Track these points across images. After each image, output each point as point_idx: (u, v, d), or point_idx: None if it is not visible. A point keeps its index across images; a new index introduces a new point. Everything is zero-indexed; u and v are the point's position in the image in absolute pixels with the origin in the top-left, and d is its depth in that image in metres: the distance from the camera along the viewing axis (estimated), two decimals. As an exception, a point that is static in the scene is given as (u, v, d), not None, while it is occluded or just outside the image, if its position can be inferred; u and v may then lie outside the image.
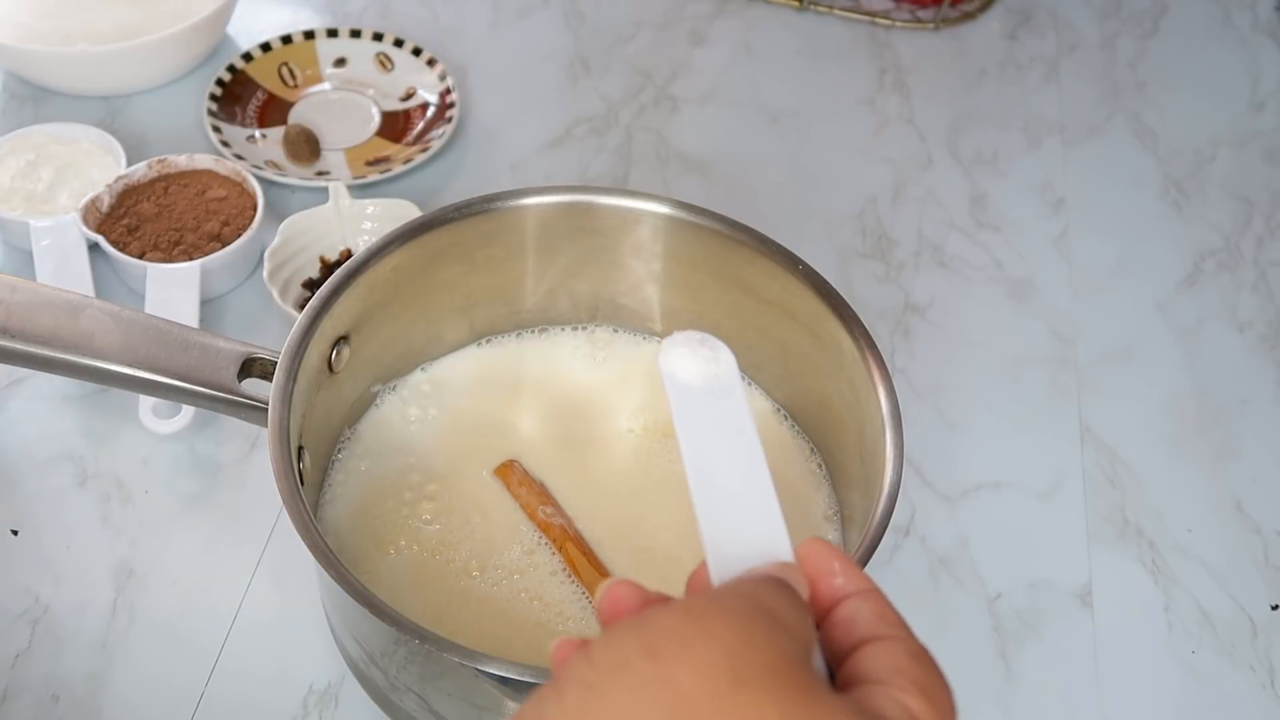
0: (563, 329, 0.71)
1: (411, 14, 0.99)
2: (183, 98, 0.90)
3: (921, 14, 1.02)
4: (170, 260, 0.75)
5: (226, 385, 0.58)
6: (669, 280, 0.68)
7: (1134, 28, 1.04)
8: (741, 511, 0.38)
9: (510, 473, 0.64)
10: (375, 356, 0.65)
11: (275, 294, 0.74)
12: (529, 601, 0.60)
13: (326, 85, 0.92)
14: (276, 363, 0.56)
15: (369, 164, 0.86)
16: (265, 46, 0.92)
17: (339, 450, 0.65)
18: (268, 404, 0.55)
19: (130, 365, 0.58)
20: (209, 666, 0.62)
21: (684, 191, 0.86)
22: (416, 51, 0.93)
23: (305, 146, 0.86)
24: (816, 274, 0.62)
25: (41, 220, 0.76)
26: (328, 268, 0.78)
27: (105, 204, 0.77)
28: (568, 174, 0.88)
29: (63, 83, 0.90)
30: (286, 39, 0.92)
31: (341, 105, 0.91)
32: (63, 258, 0.76)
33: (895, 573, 0.68)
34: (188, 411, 0.70)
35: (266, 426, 0.54)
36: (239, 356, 0.59)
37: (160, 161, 0.80)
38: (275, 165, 0.85)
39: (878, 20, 1.01)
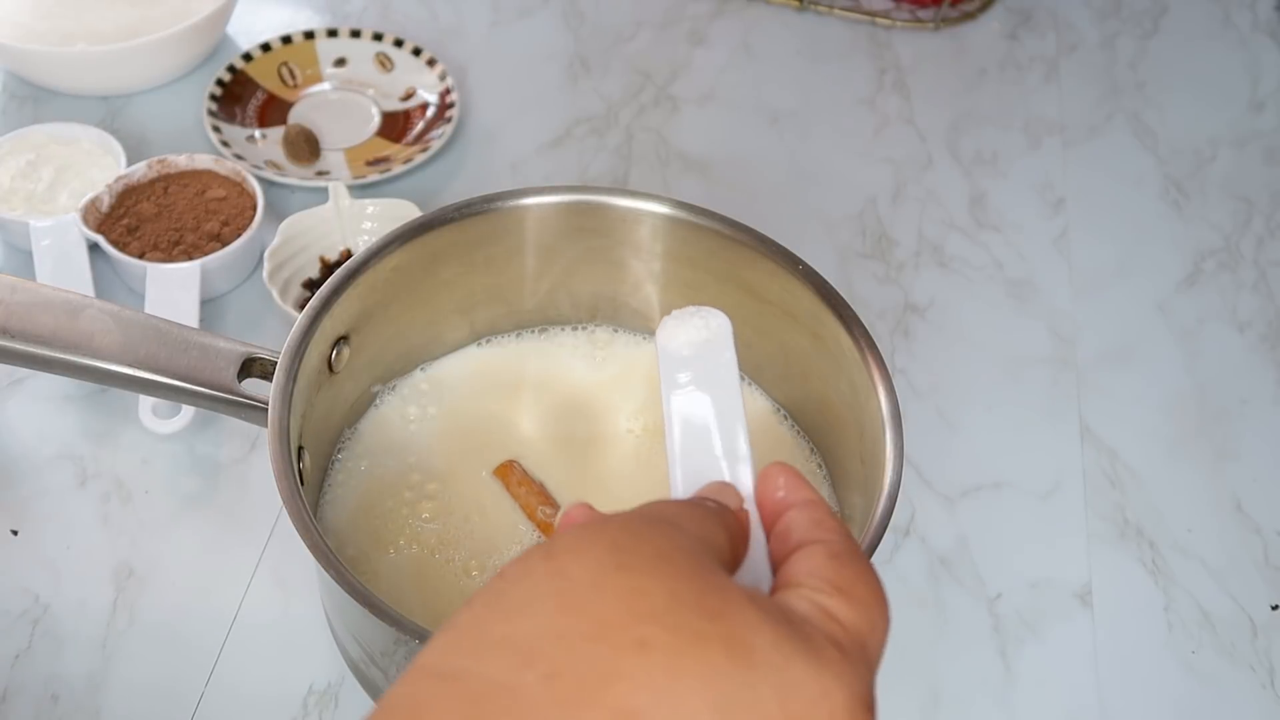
0: (563, 329, 0.71)
1: (411, 14, 0.99)
2: (183, 98, 0.90)
3: (921, 14, 1.02)
4: (170, 260, 0.75)
5: (226, 385, 0.58)
6: (669, 280, 0.68)
7: (1134, 28, 1.04)
8: (709, 453, 0.39)
9: (510, 473, 0.64)
10: (375, 356, 0.65)
11: (275, 294, 0.74)
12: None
13: (326, 85, 0.92)
14: (276, 363, 0.56)
15: (369, 164, 0.86)
16: (265, 46, 0.92)
17: (339, 450, 0.65)
18: (268, 404, 0.55)
19: (130, 365, 0.58)
20: (209, 666, 0.62)
21: (684, 191, 0.86)
22: (416, 51, 0.93)
23: (305, 146, 0.86)
24: (816, 274, 0.62)
25: (41, 220, 0.76)
26: (328, 268, 0.78)
27: (105, 204, 0.77)
28: (568, 174, 0.88)
29: (63, 83, 0.90)
30: (286, 39, 0.92)
31: (341, 105, 0.91)
32: (63, 258, 0.76)
33: (895, 573, 0.68)
34: (188, 411, 0.70)
35: (266, 426, 0.54)
36: (239, 356, 0.59)
37: (160, 161, 0.80)
38: (275, 165, 0.85)
39: (878, 20, 1.01)
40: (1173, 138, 0.94)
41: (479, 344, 0.71)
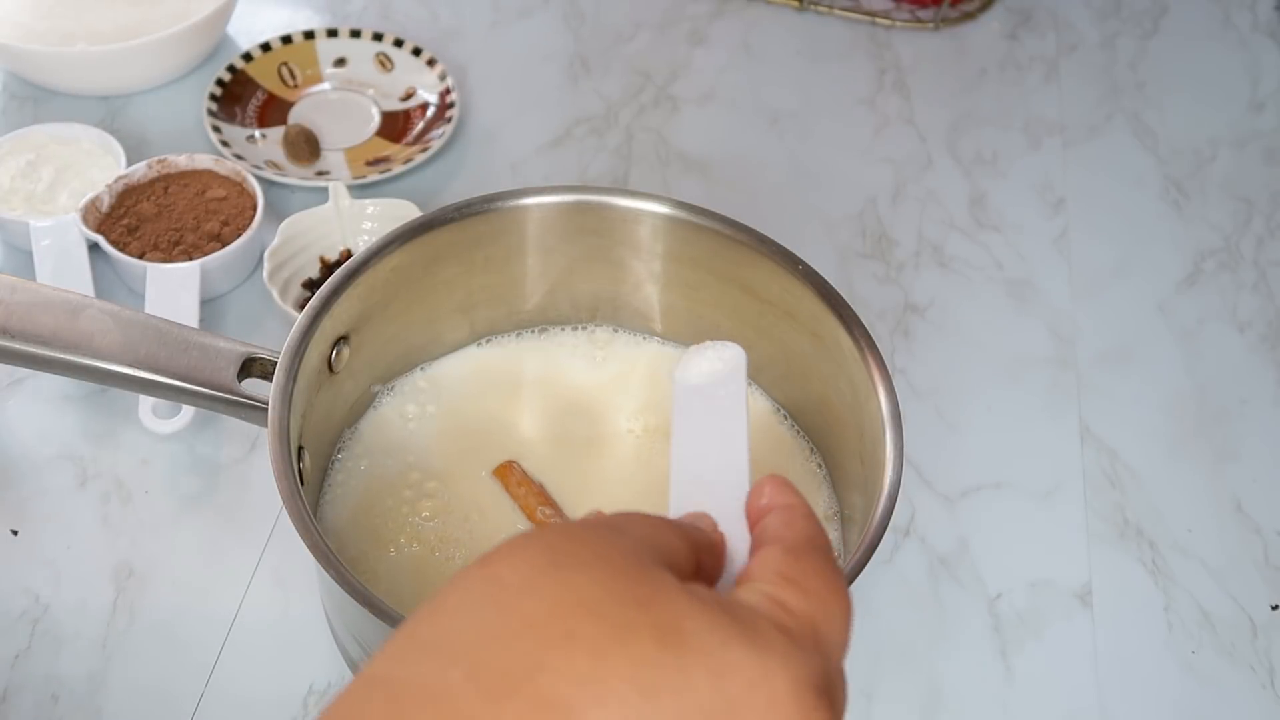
0: (563, 329, 0.71)
1: (411, 14, 0.99)
2: (183, 98, 0.90)
3: (921, 14, 1.02)
4: (170, 260, 0.75)
5: (226, 385, 0.58)
6: (669, 280, 0.68)
7: (1134, 28, 1.04)
8: (704, 480, 0.40)
9: (509, 473, 0.64)
10: (375, 356, 0.65)
11: (275, 294, 0.74)
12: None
13: (326, 85, 0.92)
14: (276, 363, 0.56)
15: (369, 164, 0.86)
16: (265, 46, 0.92)
17: (339, 450, 0.65)
18: (268, 404, 0.55)
19: (130, 365, 0.58)
20: (209, 666, 0.62)
21: (684, 191, 0.86)
22: (416, 51, 0.93)
23: (305, 146, 0.86)
24: (816, 274, 0.62)
25: (41, 220, 0.76)
26: (328, 268, 0.78)
27: (105, 204, 0.77)
28: (568, 174, 0.88)
29: (63, 83, 0.90)
30: (286, 39, 0.92)
31: (341, 105, 0.91)
32: (63, 258, 0.76)
33: (895, 573, 0.68)
34: (188, 411, 0.70)
35: (266, 426, 0.54)
36: (239, 356, 0.59)
37: (160, 161, 0.80)
38: (275, 165, 0.85)
39: (878, 20, 1.01)
40: (1173, 138, 0.94)
41: (479, 344, 0.71)
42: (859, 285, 0.82)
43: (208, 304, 0.77)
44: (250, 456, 0.70)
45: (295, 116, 0.90)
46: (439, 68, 0.91)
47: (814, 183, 0.89)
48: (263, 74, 0.91)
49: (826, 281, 0.62)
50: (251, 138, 0.87)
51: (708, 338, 0.69)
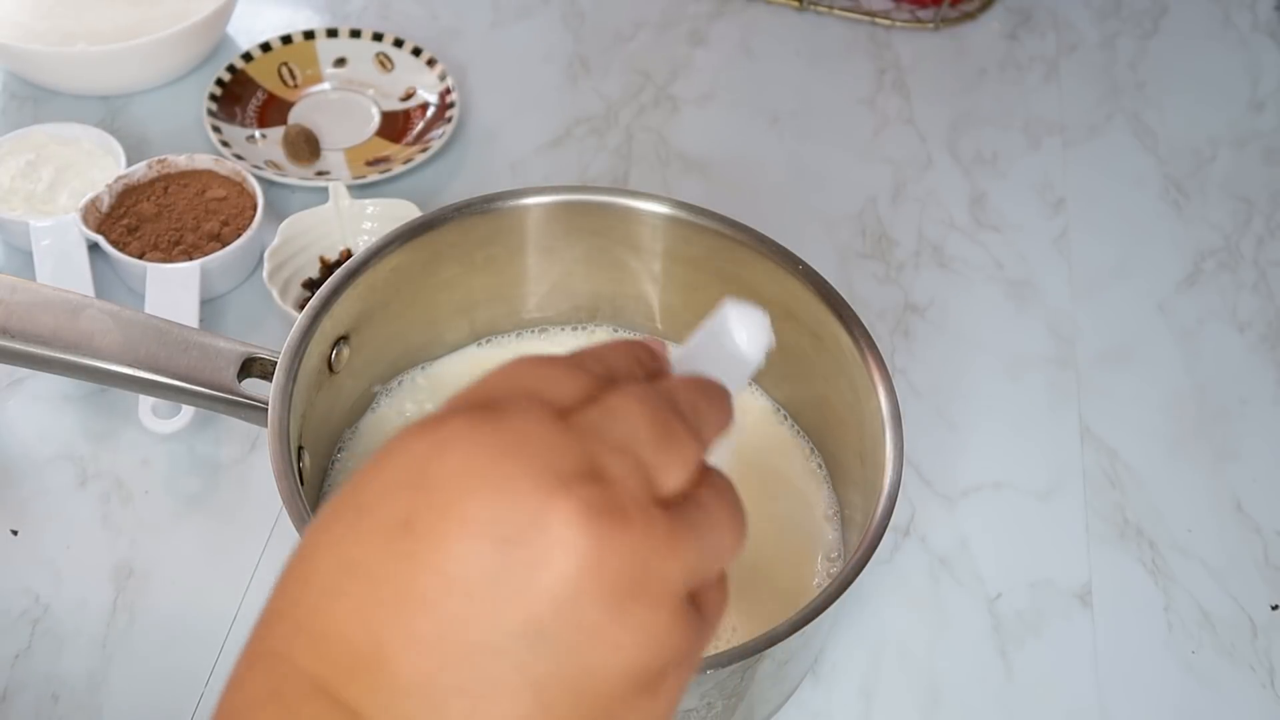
0: (563, 329, 0.71)
1: (411, 14, 0.99)
2: (183, 98, 0.90)
3: (921, 14, 1.02)
4: (170, 260, 0.75)
5: (226, 385, 0.58)
6: (669, 280, 0.68)
7: (1134, 28, 1.04)
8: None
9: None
10: (375, 356, 0.65)
11: (275, 294, 0.74)
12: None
13: (326, 85, 0.92)
14: (276, 363, 0.56)
15: (369, 164, 0.86)
16: (265, 46, 0.92)
17: (339, 450, 0.65)
18: (268, 404, 0.55)
19: (130, 365, 0.58)
20: (209, 666, 0.62)
21: (684, 191, 0.86)
22: (416, 51, 0.93)
23: (305, 146, 0.86)
24: (816, 274, 0.62)
25: (41, 220, 0.76)
26: (328, 268, 0.78)
27: (105, 204, 0.77)
28: (568, 174, 0.88)
29: (63, 83, 0.90)
30: (286, 39, 0.92)
31: (341, 105, 0.91)
32: (63, 258, 0.76)
33: (895, 573, 0.68)
34: (188, 411, 0.70)
35: (266, 426, 0.54)
36: (239, 356, 0.59)
37: (160, 161, 0.80)
38: (275, 165, 0.85)
39: (878, 20, 1.01)
40: (1173, 138, 0.94)
41: (479, 344, 0.71)
42: (859, 285, 0.82)
43: (208, 304, 0.77)
44: (250, 456, 0.70)
45: (295, 116, 0.90)
46: (439, 68, 0.91)
47: (814, 183, 0.89)
48: (263, 74, 0.91)
49: (826, 281, 0.62)
50: (251, 138, 0.87)
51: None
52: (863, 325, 0.60)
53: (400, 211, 0.79)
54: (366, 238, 0.80)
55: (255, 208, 0.78)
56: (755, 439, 0.67)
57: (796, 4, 1.02)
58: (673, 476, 0.31)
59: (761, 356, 0.41)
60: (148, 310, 0.68)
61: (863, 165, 0.90)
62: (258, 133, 0.88)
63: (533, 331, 0.71)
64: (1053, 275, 0.84)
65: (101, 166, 0.82)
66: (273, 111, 0.90)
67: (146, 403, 0.69)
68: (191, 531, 0.67)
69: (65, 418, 0.71)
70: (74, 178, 0.81)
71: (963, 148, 0.92)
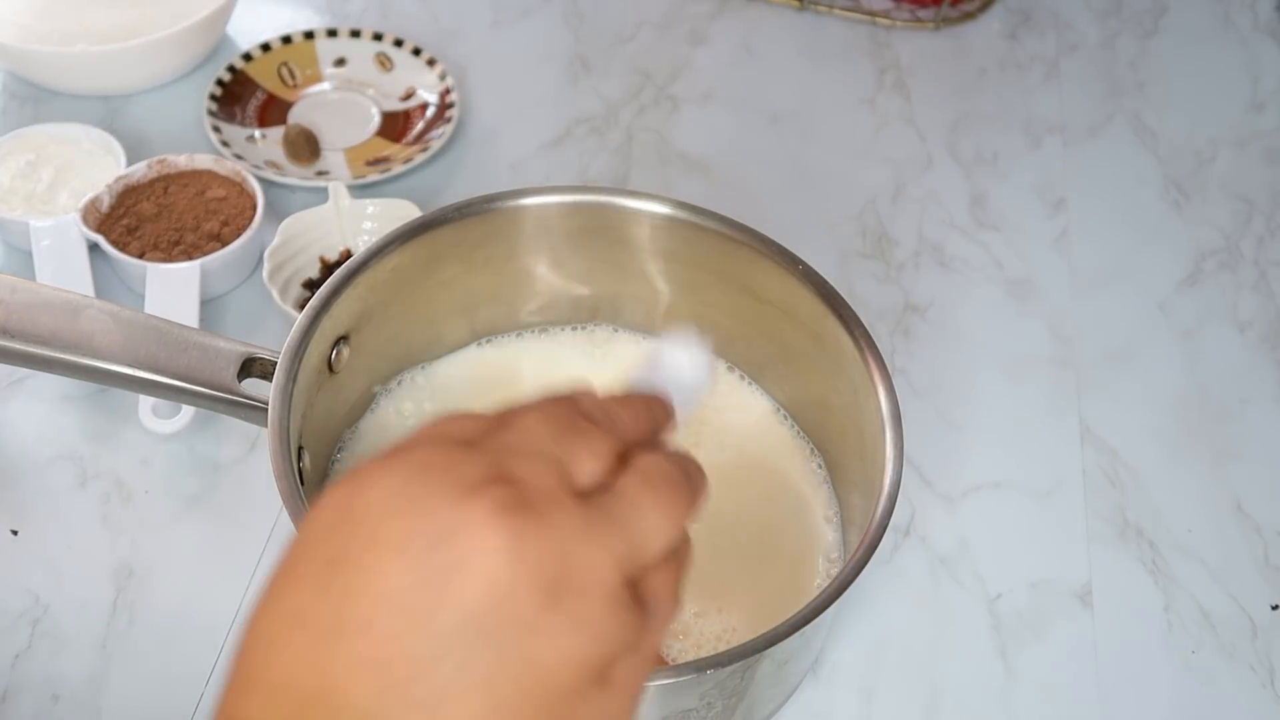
0: (563, 329, 0.71)
1: (411, 14, 0.99)
2: (183, 98, 0.90)
3: (921, 14, 1.02)
4: (170, 260, 0.75)
5: (226, 385, 0.58)
6: (669, 280, 0.68)
7: (1134, 28, 1.04)
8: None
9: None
10: (375, 356, 0.65)
11: (275, 294, 0.74)
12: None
13: (326, 85, 0.92)
14: (276, 363, 0.56)
15: (369, 164, 0.86)
16: (265, 46, 0.92)
17: (339, 450, 0.65)
18: (268, 404, 0.55)
19: (130, 365, 0.58)
20: (209, 666, 0.62)
21: (684, 191, 0.86)
22: (416, 51, 0.93)
23: (305, 146, 0.86)
24: (816, 274, 0.62)
25: (41, 220, 0.76)
26: (328, 268, 0.78)
27: (105, 204, 0.77)
28: (568, 174, 0.88)
29: (63, 83, 0.90)
30: (286, 39, 0.92)
31: (341, 105, 0.91)
32: (63, 258, 0.76)
33: (895, 573, 0.68)
34: (188, 411, 0.70)
35: (266, 426, 0.54)
36: (239, 356, 0.59)
37: (160, 161, 0.80)
38: (275, 165, 0.85)
39: (878, 20, 1.01)
40: (1173, 138, 0.94)
41: (479, 344, 0.71)
42: (859, 285, 0.82)
43: (208, 304, 0.77)
44: (250, 456, 0.70)
45: (295, 116, 0.90)
46: (439, 68, 0.91)
47: (814, 183, 0.89)
48: (263, 74, 0.91)
49: (826, 281, 0.62)
50: (251, 138, 0.87)
51: (708, 338, 0.70)
52: (863, 325, 0.60)
53: (400, 211, 0.79)
54: (366, 238, 0.80)
55: (255, 208, 0.78)
56: (755, 439, 0.67)
57: (796, 4, 1.02)
58: (584, 468, 0.32)
59: (705, 382, 0.42)
60: (148, 310, 0.68)
61: (863, 165, 0.90)
62: (258, 133, 0.88)
63: (533, 331, 0.71)
64: (1053, 275, 0.84)
65: (101, 166, 0.82)
66: (273, 111, 0.90)
67: (146, 403, 0.69)
68: (191, 531, 0.67)
69: (65, 418, 0.71)
70: (74, 178, 0.81)
71: (963, 148, 0.92)
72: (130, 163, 0.81)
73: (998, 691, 0.64)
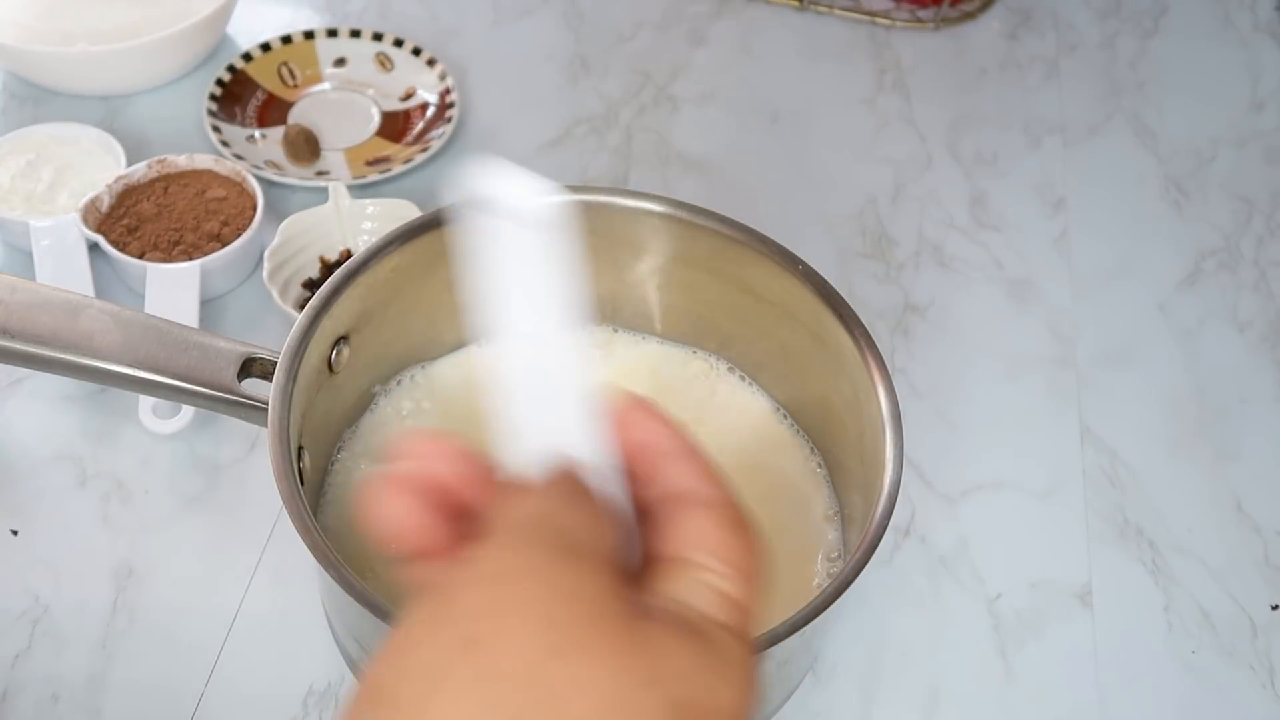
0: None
1: (411, 14, 0.99)
2: (183, 98, 0.90)
3: (921, 14, 1.02)
4: (170, 260, 0.75)
5: (226, 385, 0.58)
6: (669, 280, 0.68)
7: (1134, 28, 1.04)
8: (545, 395, 0.36)
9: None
10: (375, 356, 0.65)
11: (275, 294, 0.74)
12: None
13: (326, 85, 0.92)
14: (276, 363, 0.56)
15: (369, 164, 0.86)
16: (265, 46, 0.92)
17: (339, 450, 0.65)
18: (268, 404, 0.55)
19: (130, 365, 0.58)
20: (209, 666, 0.62)
21: (684, 191, 0.86)
22: (416, 51, 0.93)
23: (305, 146, 0.86)
24: (816, 274, 0.62)
25: (41, 220, 0.76)
26: (328, 268, 0.78)
27: (105, 204, 0.77)
28: (568, 174, 0.88)
29: (63, 83, 0.90)
30: (286, 39, 0.92)
31: (341, 105, 0.91)
32: (63, 258, 0.76)
33: (895, 573, 0.68)
34: (188, 411, 0.70)
35: (266, 426, 0.54)
36: (239, 356, 0.59)
37: (160, 161, 0.80)
38: (275, 165, 0.85)
39: (878, 20, 1.01)
40: (1173, 138, 0.94)
41: (479, 344, 0.71)
42: (859, 285, 0.82)
43: (208, 304, 0.77)
44: (250, 456, 0.70)
45: (295, 116, 0.90)
46: (439, 68, 0.91)
47: (814, 183, 0.89)
48: (263, 74, 0.91)
49: (826, 281, 0.62)
50: (251, 138, 0.87)
51: (707, 337, 0.70)
52: (863, 325, 0.60)
53: (400, 211, 0.79)
54: (366, 238, 0.80)
55: (255, 208, 0.78)
56: (755, 439, 0.67)
57: (796, 4, 1.02)
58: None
59: None
60: (148, 310, 0.68)
61: (863, 165, 0.90)
62: (258, 133, 0.88)
63: (533, 331, 0.71)
64: (1053, 275, 0.84)
65: (101, 166, 0.82)
66: (273, 111, 0.90)
67: (146, 403, 0.69)
68: (191, 531, 0.67)
69: (65, 418, 0.71)
70: (74, 178, 0.81)
71: (963, 148, 0.92)
72: (130, 163, 0.81)
73: (997, 691, 0.64)
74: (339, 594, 0.50)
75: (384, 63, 0.93)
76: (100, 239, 0.75)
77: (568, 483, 0.33)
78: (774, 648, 0.49)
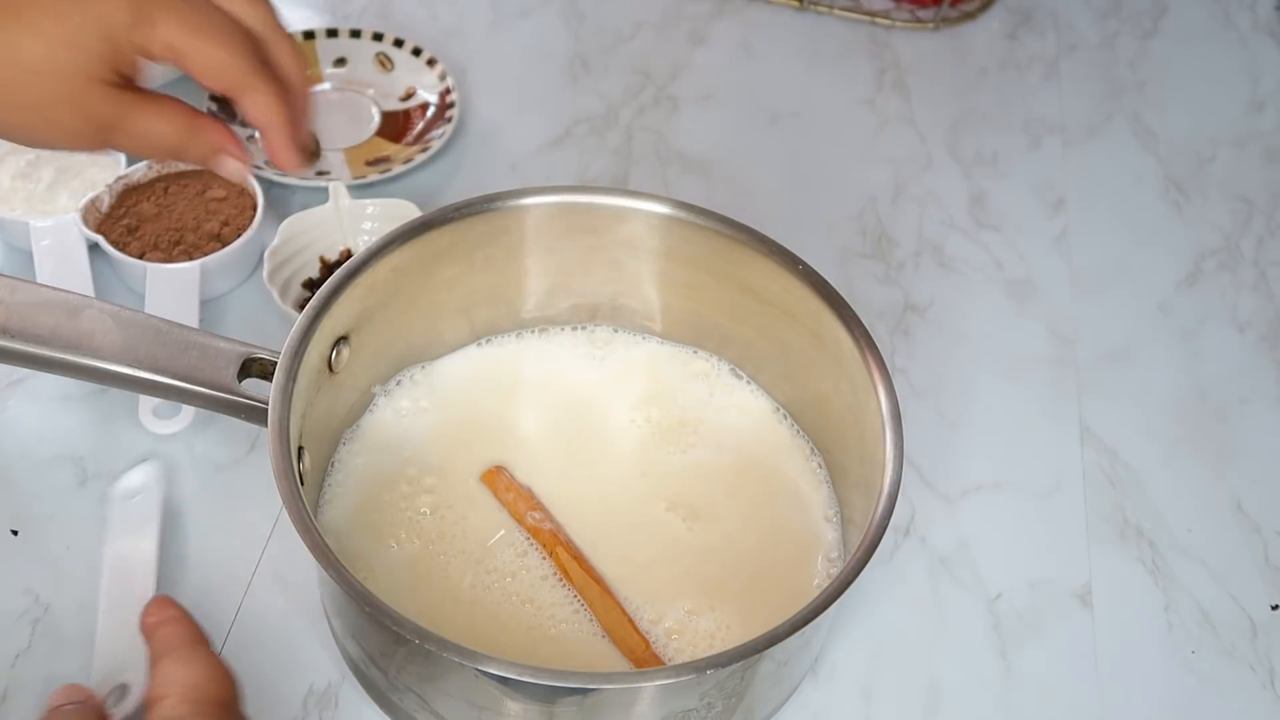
0: (563, 329, 0.71)
1: (411, 14, 0.99)
2: (182, 98, 0.90)
3: (921, 14, 1.02)
4: (170, 260, 0.75)
5: (226, 385, 0.58)
6: (669, 280, 0.68)
7: (1134, 28, 1.04)
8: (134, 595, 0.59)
9: (497, 479, 0.64)
10: (375, 356, 0.65)
11: (275, 294, 0.74)
12: (521, 605, 0.60)
13: (326, 85, 0.92)
14: (276, 363, 0.56)
15: (369, 164, 0.86)
16: (265, 46, 0.92)
17: (339, 450, 0.65)
18: (268, 404, 0.55)
19: (130, 365, 0.58)
20: (209, 666, 0.62)
21: (684, 191, 0.86)
22: (416, 51, 0.93)
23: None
24: (816, 274, 0.62)
25: (41, 220, 0.76)
26: (328, 268, 0.78)
27: (105, 204, 0.77)
28: (568, 174, 0.88)
29: (63, 83, 0.89)
30: (286, 39, 0.92)
31: (341, 105, 0.91)
32: (63, 258, 0.76)
33: (895, 573, 0.68)
34: (188, 411, 0.70)
35: (266, 426, 0.54)
36: (239, 356, 0.59)
37: (160, 161, 0.80)
38: (275, 165, 0.85)
39: (878, 20, 1.01)
40: (1173, 138, 0.94)
41: (479, 344, 0.71)
42: (859, 285, 0.82)
43: (208, 304, 0.77)
44: (250, 456, 0.70)
45: (295, 116, 0.90)
46: (439, 68, 0.91)
47: (814, 183, 0.89)
48: (263, 74, 0.91)
49: (826, 281, 0.62)
50: (252, 137, 0.87)
51: (707, 337, 0.70)
52: (863, 325, 0.60)
53: (400, 211, 0.79)
54: (366, 238, 0.80)
55: (255, 208, 0.78)
56: (755, 439, 0.68)
57: (796, 4, 1.02)
58: None
59: None
60: (148, 310, 0.68)
61: (863, 165, 0.90)
62: (258, 133, 0.88)
63: (532, 332, 0.71)
64: (1053, 275, 0.84)
65: (101, 166, 0.81)
66: (273, 111, 0.89)
67: (147, 403, 0.69)
68: (191, 531, 0.67)
69: (65, 418, 0.71)
70: (74, 178, 0.81)
71: (963, 148, 0.92)
72: (130, 163, 0.81)
73: (997, 691, 0.64)
74: (339, 594, 0.51)
75: (384, 63, 0.93)
76: (100, 239, 0.75)
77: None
78: (774, 648, 0.49)
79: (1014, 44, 1.01)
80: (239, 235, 0.77)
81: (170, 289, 0.74)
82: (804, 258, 0.63)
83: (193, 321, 0.72)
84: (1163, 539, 0.70)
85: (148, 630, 0.54)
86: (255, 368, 0.59)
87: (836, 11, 1.02)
